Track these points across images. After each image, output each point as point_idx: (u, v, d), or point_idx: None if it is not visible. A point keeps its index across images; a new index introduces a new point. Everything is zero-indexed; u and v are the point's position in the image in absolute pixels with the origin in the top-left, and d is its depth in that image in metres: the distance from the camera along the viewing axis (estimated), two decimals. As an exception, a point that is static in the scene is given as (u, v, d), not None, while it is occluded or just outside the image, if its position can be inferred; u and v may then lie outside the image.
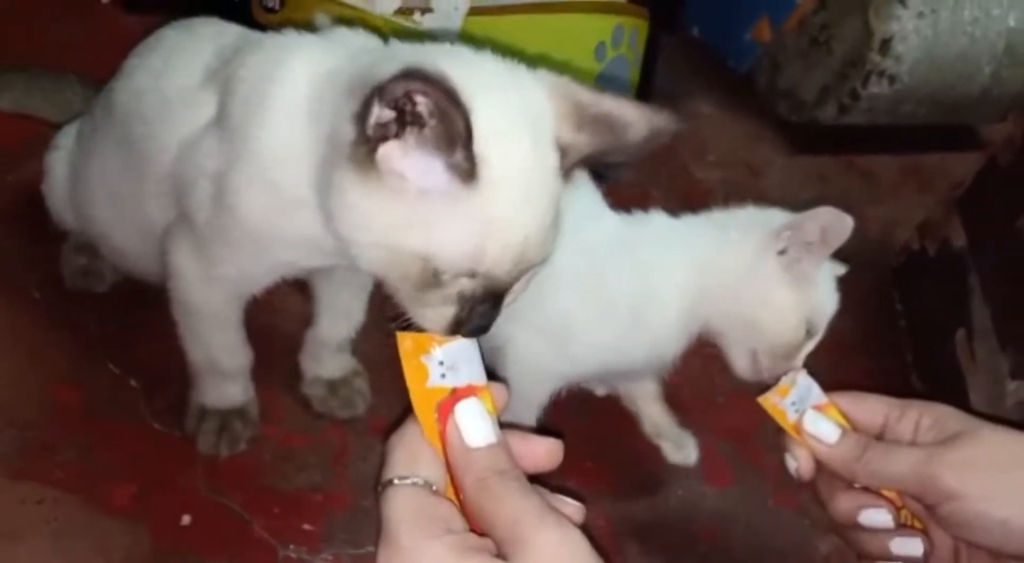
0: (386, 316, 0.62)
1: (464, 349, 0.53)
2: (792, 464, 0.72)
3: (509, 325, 0.79)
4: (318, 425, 0.88)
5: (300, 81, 0.64)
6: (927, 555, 0.70)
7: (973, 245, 1.04)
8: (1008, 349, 0.95)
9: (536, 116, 0.58)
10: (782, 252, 0.76)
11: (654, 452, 0.92)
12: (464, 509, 0.50)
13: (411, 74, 0.53)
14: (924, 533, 0.70)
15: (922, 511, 0.70)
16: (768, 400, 0.74)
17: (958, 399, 0.76)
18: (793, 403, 0.73)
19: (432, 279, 0.58)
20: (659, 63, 1.19)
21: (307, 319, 0.88)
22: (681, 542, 0.88)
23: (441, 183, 0.56)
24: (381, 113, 0.55)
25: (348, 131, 0.57)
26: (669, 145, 1.24)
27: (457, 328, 0.59)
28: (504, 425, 0.52)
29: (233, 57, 0.70)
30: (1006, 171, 1.02)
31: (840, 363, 0.98)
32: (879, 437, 0.72)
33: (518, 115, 0.58)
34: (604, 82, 1.07)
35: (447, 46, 0.62)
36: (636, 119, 0.60)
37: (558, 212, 0.60)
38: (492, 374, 0.54)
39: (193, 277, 0.73)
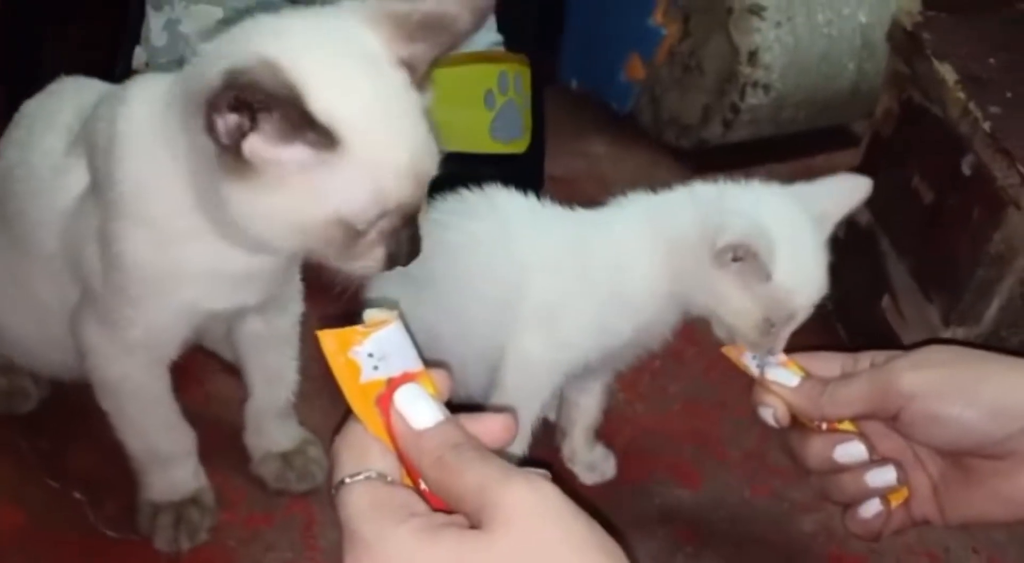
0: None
1: (393, 336, 0.51)
2: (767, 412, 0.73)
3: (502, 336, 0.80)
4: (279, 502, 0.84)
5: (139, 113, 0.65)
6: (903, 482, 0.71)
7: (877, 216, 1.08)
8: (933, 299, 0.98)
9: (367, 49, 0.61)
10: (736, 259, 0.75)
11: (627, 461, 0.92)
12: (427, 497, 0.48)
13: (230, 85, 0.56)
14: (897, 463, 0.71)
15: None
16: (732, 352, 0.76)
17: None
18: (754, 357, 0.75)
19: (353, 233, 0.62)
20: (546, 113, 1.22)
21: (242, 399, 0.86)
22: (666, 546, 0.86)
23: (312, 158, 0.58)
24: (225, 121, 0.57)
25: (208, 145, 0.59)
26: (572, 184, 1.28)
27: (393, 261, 0.63)
28: (452, 409, 0.50)
29: (89, 116, 0.70)
30: (890, 141, 1.08)
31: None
32: None
33: (348, 63, 0.61)
34: (499, 126, 1.10)
35: (258, 19, 0.63)
36: (457, 10, 0.63)
37: (428, 121, 0.63)
38: (427, 361, 0.52)
39: (105, 351, 0.71)
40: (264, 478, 0.85)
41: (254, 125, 0.57)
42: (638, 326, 0.81)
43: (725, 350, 0.78)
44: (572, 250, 0.81)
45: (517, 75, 1.11)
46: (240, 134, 0.58)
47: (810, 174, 1.43)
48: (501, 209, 0.83)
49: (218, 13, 1.00)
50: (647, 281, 0.79)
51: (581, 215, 0.84)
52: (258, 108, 0.57)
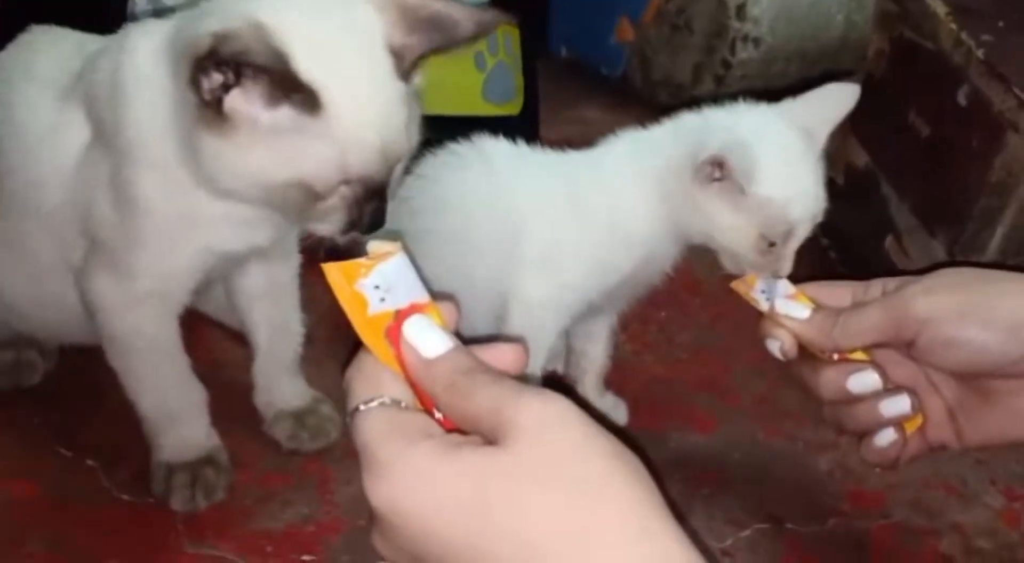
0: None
1: (397, 268, 0.51)
2: (774, 344, 0.72)
3: (505, 284, 0.80)
4: (293, 461, 0.84)
5: (143, 60, 0.66)
6: (916, 409, 0.71)
7: (876, 156, 1.08)
8: (937, 234, 0.98)
9: (363, 28, 0.63)
10: (717, 179, 0.74)
11: (639, 410, 0.92)
12: (443, 424, 0.48)
13: (216, 50, 0.58)
14: (911, 390, 0.71)
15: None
16: (740, 286, 0.76)
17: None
18: (763, 292, 0.74)
19: (313, 196, 0.64)
20: (538, 81, 1.22)
21: (245, 363, 0.86)
22: (684, 489, 0.86)
23: (289, 120, 0.60)
24: (209, 80, 0.59)
25: (190, 97, 0.61)
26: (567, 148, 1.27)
27: (352, 227, 0.64)
28: (462, 341, 0.50)
29: (84, 67, 0.71)
30: (883, 80, 1.07)
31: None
32: None
33: (341, 35, 0.62)
34: (490, 88, 1.10)
35: None
36: (463, 18, 0.65)
37: (412, 109, 0.65)
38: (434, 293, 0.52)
39: (117, 302, 0.71)
40: (277, 438, 0.84)
41: (237, 82, 0.59)
42: (637, 260, 0.80)
43: (734, 285, 0.77)
44: (565, 191, 0.81)
45: (507, 36, 1.11)
46: (223, 90, 0.60)
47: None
48: (491, 157, 0.83)
49: (205, -15, 1.00)
50: (641, 214, 0.78)
51: (571, 156, 0.84)
52: (243, 72, 0.59)
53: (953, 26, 0.94)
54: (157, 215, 0.68)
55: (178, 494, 0.77)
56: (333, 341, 0.92)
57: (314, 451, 0.84)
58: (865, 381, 0.70)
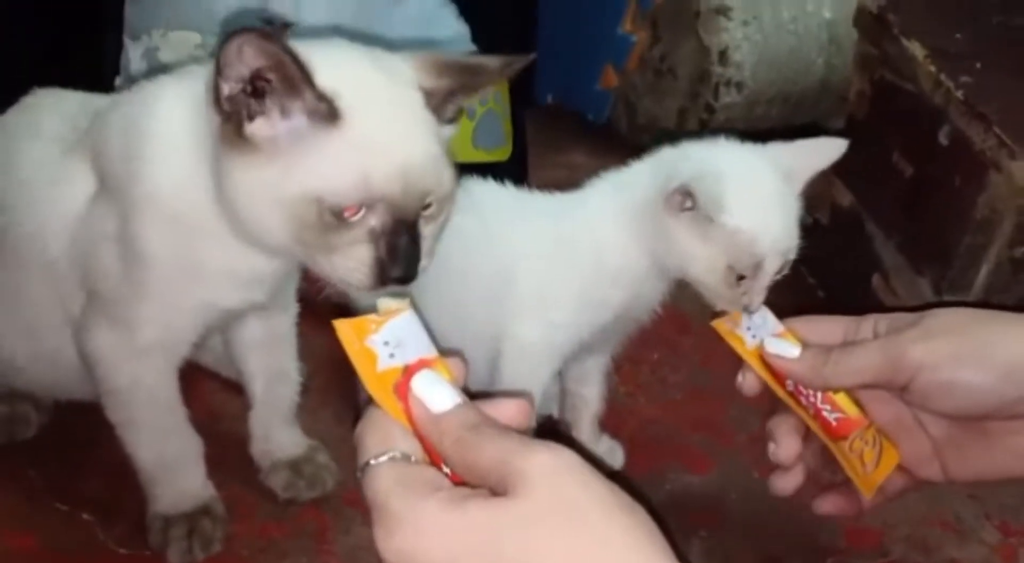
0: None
1: (407, 324, 0.52)
2: (739, 379, 0.74)
3: (499, 328, 0.81)
4: (290, 511, 0.84)
5: (170, 112, 0.67)
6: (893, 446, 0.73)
7: (860, 196, 1.10)
8: (924, 272, 0.99)
9: (393, 67, 0.64)
10: (687, 209, 0.75)
11: (635, 452, 0.92)
12: (451, 479, 0.49)
13: (231, 33, 0.58)
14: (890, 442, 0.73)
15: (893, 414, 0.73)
16: (723, 325, 0.76)
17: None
18: (749, 328, 0.74)
19: (333, 220, 0.61)
20: (526, 126, 1.24)
21: (240, 413, 0.86)
22: (681, 530, 0.86)
23: (307, 129, 0.60)
24: (227, 87, 0.60)
25: (214, 123, 0.61)
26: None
27: (382, 272, 0.62)
28: (469, 396, 0.51)
29: (92, 122, 0.72)
30: (865, 121, 1.10)
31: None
32: None
33: (365, 67, 0.64)
34: (480, 135, 1.11)
35: (340, 49, 0.66)
36: (489, 61, 0.67)
37: (441, 146, 0.65)
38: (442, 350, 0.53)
39: (117, 355, 0.71)
40: (274, 488, 0.84)
41: (260, 106, 0.60)
42: (625, 297, 0.81)
43: (716, 323, 0.77)
44: (552, 231, 0.82)
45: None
46: (238, 108, 0.60)
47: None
48: (480, 200, 0.84)
49: (196, 38, 1.01)
50: (624, 249, 0.79)
51: (557, 198, 0.85)
52: (260, 88, 0.59)
53: (932, 68, 0.97)
54: (162, 269, 0.68)
55: (175, 546, 0.77)
56: (327, 390, 0.92)
57: (311, 500, 0.84)
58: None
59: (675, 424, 0.98)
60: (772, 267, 0.75)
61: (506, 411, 0.51)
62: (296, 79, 0.59)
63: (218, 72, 0.60)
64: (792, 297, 0.80)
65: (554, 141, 1.38)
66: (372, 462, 0.48)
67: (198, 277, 0.69)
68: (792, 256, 0.77)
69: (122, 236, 0.68)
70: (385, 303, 0.55)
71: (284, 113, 0.60)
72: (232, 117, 0.61)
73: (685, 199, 0.74)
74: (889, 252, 1.05)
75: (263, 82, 0.60)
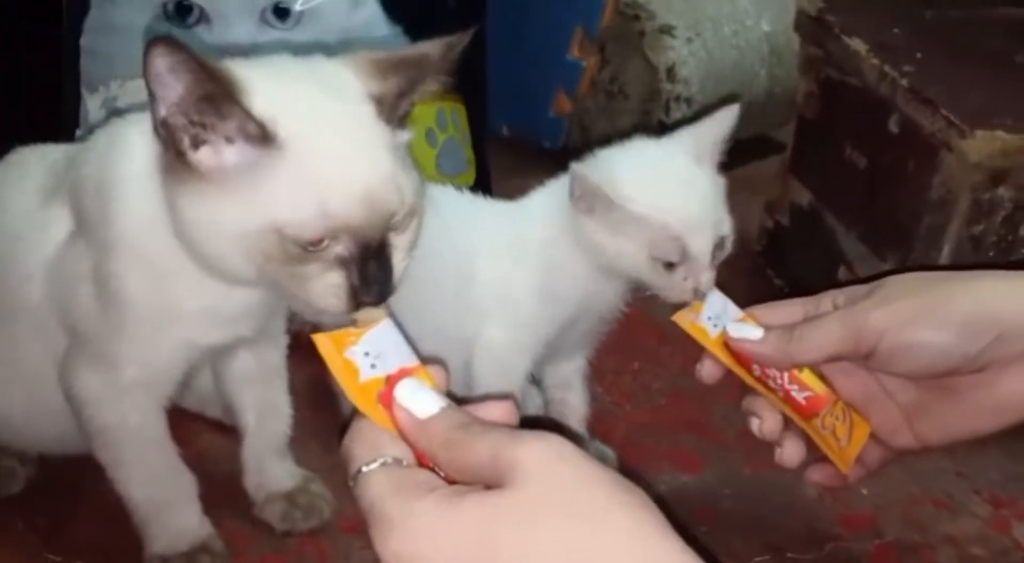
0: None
1: (386, 334, 0.53)
2: (698, 367, 0.75)
3: (468, 331, 0.82)
4: (289, 543, 0.83)
5: (137, 150, 0.65)
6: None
7: (818, 193, 1.13)
8: (887, 258, 1.02)
9: (333, 78, 0.62)
10: (588, 212, 0.77)
11: (626, 457, 0.92)
12: (445, 479, 0.49)
13: (148, 43, 0.56)
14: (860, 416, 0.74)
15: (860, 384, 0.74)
16: (684, 318, 0.76)
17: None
18: (709, 318, 0.75)
19: (296, 250, 0.59)
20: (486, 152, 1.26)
21: (235, 453, 0.85)
22: (679, 530, 0.86)
23: (247, 154, 0.58)
24: (163, 109, 0.58)
25: (157, 150, 0.61)
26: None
27: (355, 296, 0.60)
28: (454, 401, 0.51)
29: (69, 167, 0.71)
30: (816, 120, 1.13)
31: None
32: None
33: (304, 83, 0.62)
34: (443, 161, 1.13)
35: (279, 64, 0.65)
36: (429, 48, 0.65)
37: (403, 157, 0.63)
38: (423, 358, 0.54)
39: (101, 395, 0.71)
40: (270, 520, 0.83)
41: (199, 137, 0.58)
42: (578, 294, 0.82)
43: (677, 316, 0.77)
44: (506, 233, 0.84)
45: (454, 112, 1.14)
46: (173, 132, 0.58)
47: (739, 183, 1.50)
48: (439, 204, 0.85)
49: (154, 86, 1.02)
50: (565, 251, 0.81)
51: (510, 203, 0.88)
52: (194, 111, 0.58)
53: (875, 61, 1.00)
54: (139, 308, 0.67)
55: (176, 586, 0.76)
56: (314, 423, 0.92)
57: (308, 530, 0.83)
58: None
59: (663, 427, 0.98)
60: (702, 247, 0.75)
61: (492, 412, 0.51)
62: (218, 96, 0.57)
63: (149, 92, 0.57)
64: (758, 297, 0.81)
65: (514, 167, 1.39)
66: (364, 469, 0.48)
67: (177, 316, 0.68)
68: (725, 232, 0.78)
69: (98, 276, 0.68)
70: (363, 313, 0.55)
71: (228, 140, 0.58)
72: (171, 144, 0.59)
73: (589, 199, 0.76)
74: (851, 243, 1.07)
75: (203, 104, 0.57)
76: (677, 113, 1.35)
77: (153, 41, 0.56)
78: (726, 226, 0.78)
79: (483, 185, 1.19)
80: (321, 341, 0.52)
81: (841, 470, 0.74)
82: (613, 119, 1.41)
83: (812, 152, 1.14)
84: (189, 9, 0.99)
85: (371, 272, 0.60)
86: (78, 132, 1.03)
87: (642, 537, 0.44)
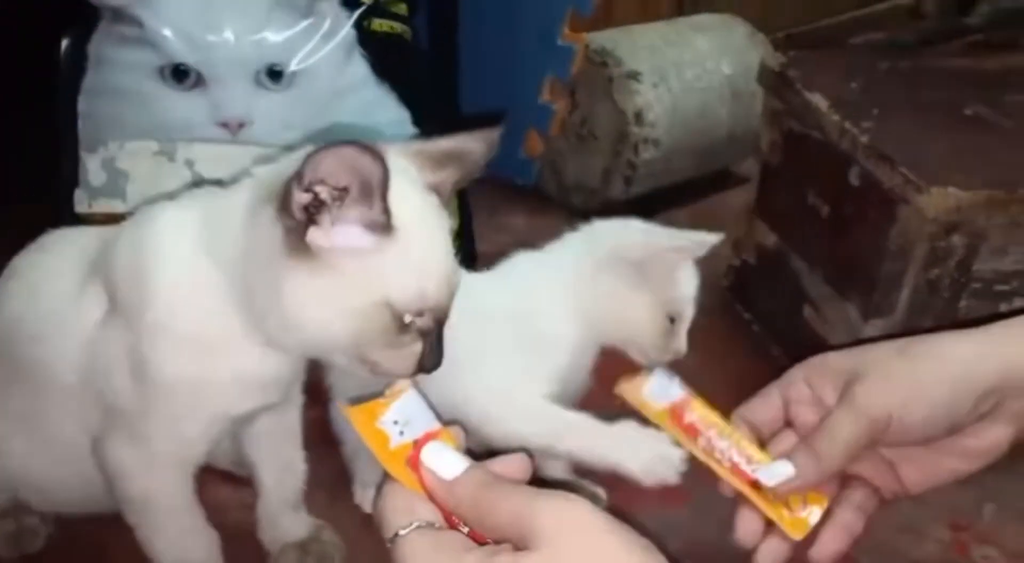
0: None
1: (412, 402, 0.58)
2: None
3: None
4: (303, 591, 0.87)
5: (170, 237, 0.70)
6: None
7: (783, 236, 1.20)
8: (850, 298, 1.08)
9: (403, 170, 0.67)
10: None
11: (614, 494, 0.97)
12: (474, 538, 0.53)
13: (318, 151, 0.60)
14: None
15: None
16: (628, 391, 0.80)
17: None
18: (653, 393, 0.80)
19: (398, 325, 0.66)
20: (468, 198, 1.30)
21: (244, 503, 0.89)
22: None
23: (367, 242, 0.63)
24: (300, 196, 0.62)
25: (274, 234, 0.64)
26: (502, 257, 1.34)
27: (422, 365, 0.67)
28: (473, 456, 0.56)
29: (103, 250, 0.75)
30: (780, 168, 1.20)
31: (715, 368, 1.04)
32: (788, 420, 0.79)
33: (399, 176, 0.66)
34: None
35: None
36: (471, 142, 0.71)
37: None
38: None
39: (136, 467, 0.74)
40: (285, 571, 0.87)
41: (316, 217, 0.62)
42: (564, 360, 0.86)
43: (620, 390, 0.80)
44: (484, 309, 0.85)
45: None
46: (308, 217, 0.62)
47: (706, 216, 1.56)
48: None
49: (153, 146, 1.05)
50: (560, 318, 0.85)
51: (483, 276, 0.91)
52: (327, 197, 0.61)
53: (836, 117, 1.07)
54: (178, 387, 0.70)
55: (203, 637, 0.79)
56: (319, 471, 0.95)
57: (322, 577, 0.87)
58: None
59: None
60: (692, 311, 0.85)
61: (508, 467, 0.55)
62: (377, 191, 0.61)
63: (300, 182, 0.61)
64: (729, 331, 0.87)
65: (491, 208, 1.45)
66: (401, 533, 0.52)
67: (211, 390, 0.72)
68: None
69: (133, 358, 0.71)
70: (394, 384, 0.60)
71: (334, 222, 0.63)
72: (298, 226, 0.62)
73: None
74: (815, 284, 1.14)
75: (336, 192, 0.62)
76: (646, 154, 1.42)
77: (335, 144, 0.60)
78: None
79: (466, 230, 1.24)
80: (355, 414, 0.57)
81: (792, 536, 0.75)
82: (584, 160, 1.47)
83: (776, 197, 1.21)
84: (185, 73, 1.03)
85: (436, 344, 0.68)
86: (78, 191, 1.06)
87: None
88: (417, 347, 0.67)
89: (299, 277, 0.64)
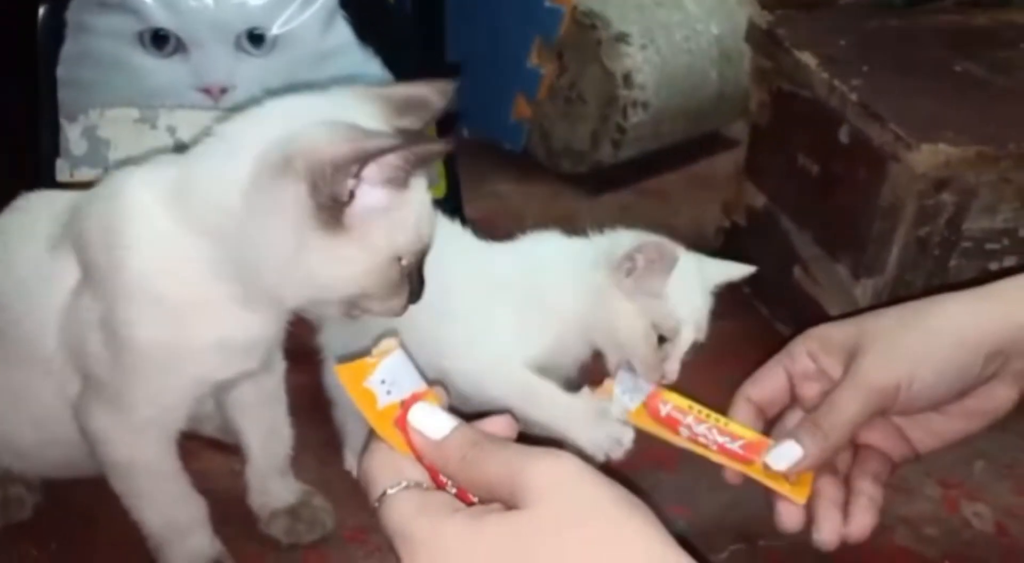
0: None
1: (398, 362, 0.57)
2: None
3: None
4: (294, 556, 0.87)
5: (143, 200, 0.69)
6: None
7: (772, 196, 1.19)
8: (840, 257, 1.08)
9: (371, 114, 0.68)
10: (628, 273, 0.83)
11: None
12: (462, 498, 0.53)
13: (359, 153, 0.61)
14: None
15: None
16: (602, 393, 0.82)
17: (822, 321, 0.82)
18: (624, 394, 0.82)
19: (400, 271, 0.68)
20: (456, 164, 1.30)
21: (232, 470, 0.89)
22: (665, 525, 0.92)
23: (388, 199, 0.65)
24: (349, 183, 0.62)
25: (299, 208, 0.63)
26: (489, 223, 1.34)
27: (412, 300, 0.70)
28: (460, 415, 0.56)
29: (73, 217, 0.74)
30: (769, 128, 1.19)
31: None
32: (794, 395, 0.80)
33: (368, 118, 0.68)
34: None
35: (304, 101, 0.69)
36: (428, 92, 0.71)
37: None
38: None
39: (116, 434, 0.74)
40: (276, 535, 0.87)
41: (352, 195, 0.63)
42: (555, 342, 0.85)
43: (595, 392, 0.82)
44: (490, 276, 0.86)
45: (423, 127, 1.18)
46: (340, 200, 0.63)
47: (695, 181, 1.56)
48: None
49: (134, 113, 1.04)
50: (566, 297, 0.85)
51: (497, 246, 0.91)
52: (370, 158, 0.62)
53: (825, 75, 1.06)
54: (151, 351, 0.70)
55: (191, 604, 0.79)
56: (306, 435, 0.95)
57: (313, 542, 0.87)
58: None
59: (638, 430, 1.03)
60: (687, 338, 0.83)
61: (494, 427, 0.55)
62: (423, 161, 0.64)
63: (346, 171, 0.62)
64: (721, 294, 0.87)
65: (479, 173, 1.44)
66: (388, 492, 0.52)
67: (189, 354, 0.71)
68: (702, 339, 0.84)
69: (107, 324, 0.70)
70: (381, 344, 0.59)
71: (377, 195, 0.64)
72: (336, 205, 0.63)
73: (647, 261, 0.81)
74: (806, 244, 1.14)
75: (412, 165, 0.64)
76: (634, 118, 1.40)
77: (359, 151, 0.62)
78: (703, 335, 0.84)
79: (453, 195, 1.23)
80: (343, 371, 0.57)
81: (796, 501, 0.77)
82: (573, 124, 1.45)
83: (766, 158, 1.20)
84: (165, 39, 1.01)
85: (420, 276, 0.71)
86: (59, 161, 1.05)
87: (652, 547, 0.49)
88: (407, 288, 0.69)
89: (325, 243, 0.64)
